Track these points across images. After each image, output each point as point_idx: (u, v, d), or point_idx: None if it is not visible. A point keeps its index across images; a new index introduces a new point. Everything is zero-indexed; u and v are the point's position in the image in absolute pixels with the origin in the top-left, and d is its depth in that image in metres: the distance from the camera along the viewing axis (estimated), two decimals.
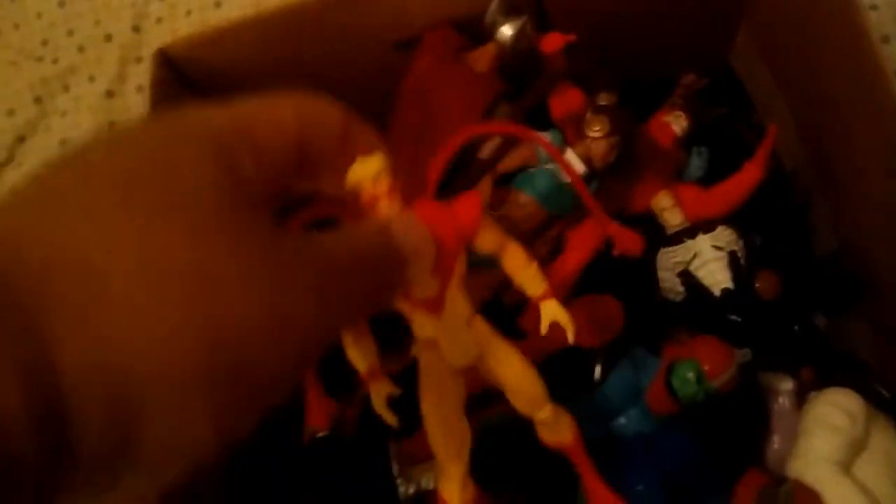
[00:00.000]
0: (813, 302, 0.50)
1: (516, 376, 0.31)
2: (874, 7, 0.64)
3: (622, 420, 0.43)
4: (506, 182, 0.49)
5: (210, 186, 0.18)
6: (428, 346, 0.30)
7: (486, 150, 0.48)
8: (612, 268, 0.49)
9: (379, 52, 0.52)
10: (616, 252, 0.37)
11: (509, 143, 0.50)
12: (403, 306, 0.28)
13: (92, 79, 0.79)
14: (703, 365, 0.40)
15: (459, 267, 0.27)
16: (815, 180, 0.54)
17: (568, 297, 0.47)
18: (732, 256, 0.46)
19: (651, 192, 0.51)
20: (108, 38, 0.80)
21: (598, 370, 0.43)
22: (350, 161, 0.23)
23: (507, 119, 0.49)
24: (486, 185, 0.48)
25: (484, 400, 0.40)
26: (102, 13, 0.82)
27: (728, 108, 0.58)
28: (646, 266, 0.50)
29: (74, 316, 0.15)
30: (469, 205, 0.27)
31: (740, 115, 0.59)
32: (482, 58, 0.49)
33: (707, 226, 0.49)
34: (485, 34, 0.49)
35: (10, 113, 0.79)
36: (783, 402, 0.46)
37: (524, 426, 0.34)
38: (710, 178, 0.53)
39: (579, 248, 0.48)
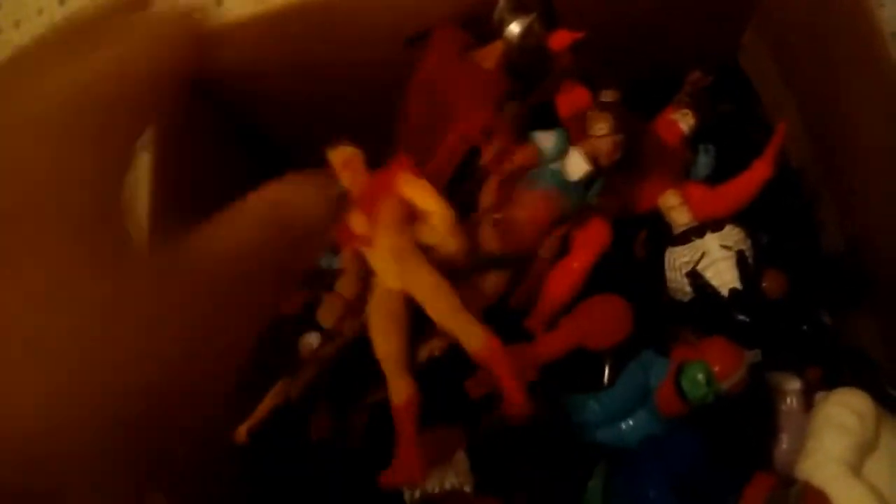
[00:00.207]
0: (820, 300, 0.50)
1: (429, 287, 0.38)
2: (881, 4, 0.64)
3: (631, 422, 0.43)
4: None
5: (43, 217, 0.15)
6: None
7: (487, 156, 0.48)
8: (619, 267, 0.49)
9: (386, 49, 0.51)
10: None
11: (510, 146, 0.49)
12: (341, 242, 0.39)
13: None
14: (714, 366, 0.39)
15: (391, 212, 0.39)
16: (823, 178, 0.54)
17: (576, 298, 0.47)
18: (740, 256, 0.46)
19: (658, 191, 0.50)
20: None
21: (606, 372, 0.43)
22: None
23: (514, 117, 0.49)
24: (491, 187, 0.47)
25: (486, 404, 0.41)
26: None
27: (735, 106, 0.58)
28: (653, 266, 0.49)
29: None
30: (398, 166, 0.40)
31: (747, 113, 0.59)
32: (490, 56, 0.49)
33: (715, 225, 0.48)
34: (492, 32, 0.49)
35: None
36: (791, 402, 0.46)
37: (525, 430, 0.35)
38: (717, 176, 0.53)
39: (586, 247, 0.47)
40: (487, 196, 0.47)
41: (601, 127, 0.46)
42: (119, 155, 0.17)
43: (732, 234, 0.47)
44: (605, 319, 0.43)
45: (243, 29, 0.49)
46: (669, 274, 0.49)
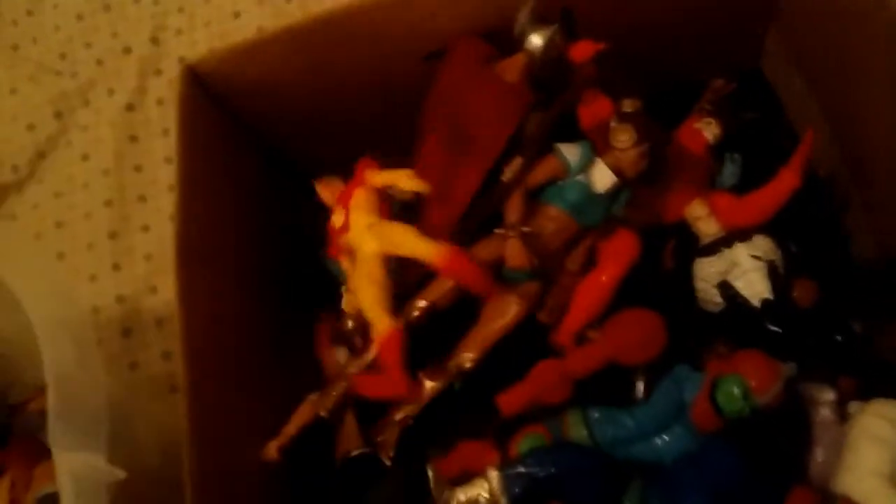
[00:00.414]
0: (851, 309, 0.49)
1: (399, 229, 0.46)
2: None
3: (665, 437, 0.43)
4: (535, 197, 0.48)
5: None
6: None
7: (508, 172, 0.48)
8: (647, 279, 0.48)
9: (407, 61, 0.51)
10: None
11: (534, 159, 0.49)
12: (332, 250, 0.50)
13: (112, 92, 0.79)
14: (750, 380, 0.39)
15: (362, 197, 0.48)
16: (850, 185, 0.53)
17: (606, 312, 0.46)
18: (772, 267, 0.45)
19: (684, 201, 0.50)
20: (127, 50, 0.80)
21: (640, 387, 0.42)
22: None
23: (538, 128, 0.48)
24: (516, 200, 0.47)
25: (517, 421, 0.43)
26: (120, 25, 0.81)
27: (758, 113, 0.57)
28: (681, 277, 0.49)
29: None
30: (361, 168, 0.50)
31: (771, 120, 0.58)
32: (512, 68, 0.48)
33: (742, 234, 0.48)
34: (514, 44, 0.49)
35: (31, 128, 0.79)
36: (825, 413, 0.45)
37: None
38: (742, 184, 0.52)
39: (615, 260, 0.47)
40: (513, 211, 0.47)
41: (624, 139, 0.45)
42: None
43: (762, 244, 0.47)
44: (640, 335, 0.43)
45: (268, 44, 0.50)
46: (698, 284, 0.48)
